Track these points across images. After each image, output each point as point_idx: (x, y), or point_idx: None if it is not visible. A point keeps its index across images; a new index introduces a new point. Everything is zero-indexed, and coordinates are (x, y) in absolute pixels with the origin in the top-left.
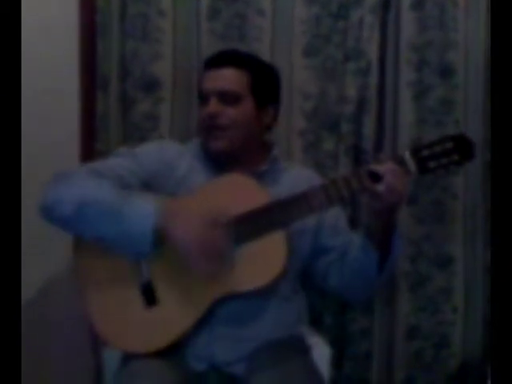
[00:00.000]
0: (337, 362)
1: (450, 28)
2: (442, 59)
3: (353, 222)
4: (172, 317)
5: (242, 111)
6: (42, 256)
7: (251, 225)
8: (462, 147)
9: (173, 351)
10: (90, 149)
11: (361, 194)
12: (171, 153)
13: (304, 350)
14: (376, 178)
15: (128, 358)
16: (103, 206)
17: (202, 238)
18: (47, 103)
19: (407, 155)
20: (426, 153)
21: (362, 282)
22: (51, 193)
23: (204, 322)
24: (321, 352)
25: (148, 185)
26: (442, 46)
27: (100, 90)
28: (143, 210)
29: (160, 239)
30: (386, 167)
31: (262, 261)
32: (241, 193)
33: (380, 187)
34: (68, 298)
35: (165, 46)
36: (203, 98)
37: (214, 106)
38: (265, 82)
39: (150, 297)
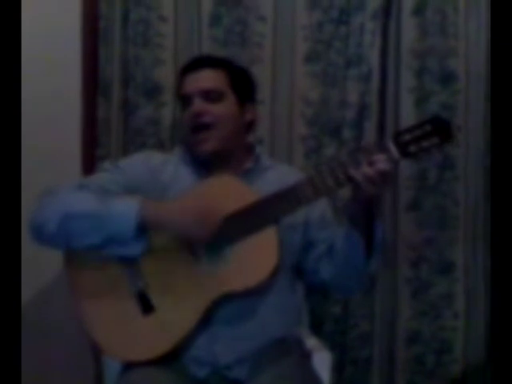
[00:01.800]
0: (337, 366)
1: (450, 34)
2: (442, 65)
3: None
4: (170, 322)
5: (226, 107)
6: (42, 260)
7: (242, 223)
8: (440, 129)
9: (173, 358)
10: (92, 154)
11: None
12: (155, 160)
13: (304, 355)
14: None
15: (127, 367)
16: (85, 218)
17: (194, 209)
18: (49, 108)
19: (389, 142)
20: (406, 137)
21: (352, 272)
22: (35, 215)
23: (203, 323)
24: (322, 357)
25: (134, 193)
26: (443, 52)
27: (102, 95)
28: (125, 202)
29: (145, 228)
30: (362, 172)
31: (256, 258)
32: (228, 193)
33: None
34: (68, 302)
35: (166, 52)
36: (186, 101)
37: (198, 104)
38: (242, 80)
39: (146, 305)
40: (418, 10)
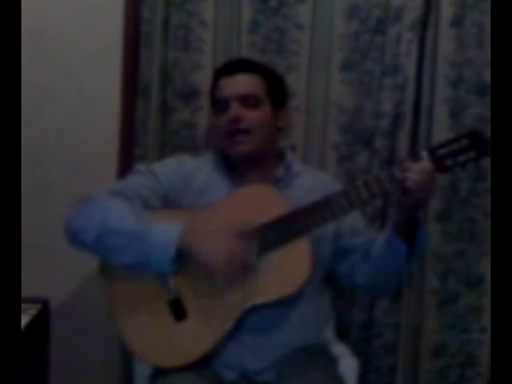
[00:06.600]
0: (361, 375)
1: (488, 46)
2: (479, 77)
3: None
4: (201, 331)
5: (263, 114)
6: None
7: (275, 233)
8: (477, 144)
9: (202, 362)
10: (129, 154)
11: (385, 195)
12: (188, 166)
13: (331, 360)
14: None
15: (158, 372)
16: (124, 235)
17: (226, 251)
18: (90, 108)
19: (424, 155)
20: (442, 151)
21: (390, 276)
22: (74, 220)
23: (233, 332)
24: (349, 363)
25: (167, 199)
26: (481, 65)
27: (141, 97)
28: (164, 236)
29: (183, 260)
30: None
31: (288, 269)
32: (262, 202)
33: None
34: (100, 299)
35: (205, 57)
36: (222, 105)
37: (236, 110)
38: (278, 86)
39: (178, 312)
40: (456, 22)
